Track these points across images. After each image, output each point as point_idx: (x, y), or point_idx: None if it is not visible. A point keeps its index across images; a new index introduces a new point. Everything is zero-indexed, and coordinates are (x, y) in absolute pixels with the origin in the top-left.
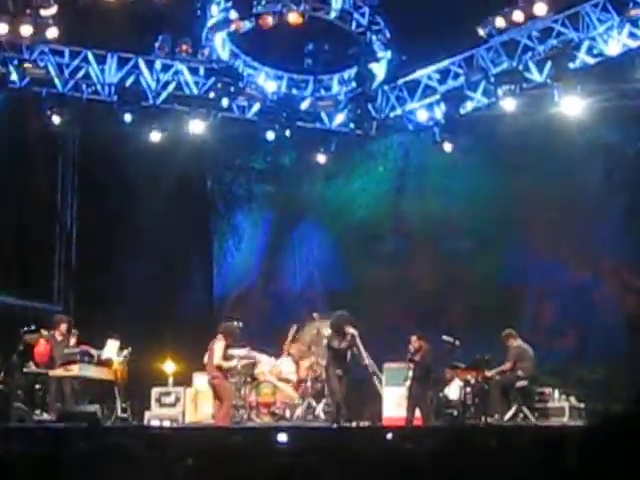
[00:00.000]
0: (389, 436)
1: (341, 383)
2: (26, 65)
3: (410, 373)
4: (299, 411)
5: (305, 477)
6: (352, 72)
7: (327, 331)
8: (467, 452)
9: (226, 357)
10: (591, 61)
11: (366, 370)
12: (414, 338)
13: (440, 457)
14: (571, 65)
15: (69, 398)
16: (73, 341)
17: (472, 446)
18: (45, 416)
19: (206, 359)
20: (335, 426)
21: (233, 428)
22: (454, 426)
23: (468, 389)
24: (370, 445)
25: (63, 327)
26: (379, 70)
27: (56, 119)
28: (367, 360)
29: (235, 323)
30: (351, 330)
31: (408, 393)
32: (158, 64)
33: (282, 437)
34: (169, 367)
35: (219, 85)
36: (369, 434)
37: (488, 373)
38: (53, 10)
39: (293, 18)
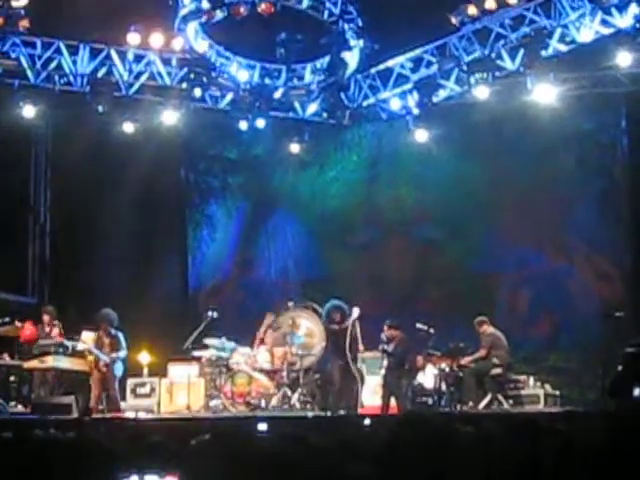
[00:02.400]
0: (366, 422)
1: (342, 372)
2: None
3: (384, 362)
4: (274, 401)
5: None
6: (325, 61)
7: (303, 321)
8: (444, 438)
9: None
10: (564, 48)
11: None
12: (386, 327)
13: (417, 443)
14: (543, 53)
15: (43, 389)
16: (56, 332)
17: (449, 433)
18: (20, 408)
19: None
20: (310, 415)
21: (210, 418)
22: (431, 413)
23: (443, 377)
24: (348, 433)
25: (45, 318)
26: (352, 59)
27: (28, 111)
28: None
29: (209, 312)
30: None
31: (383, 382)
32: (130, 55)
33: (262, 426)
34: (144, 358)
35: (192, 75)
36: (345, 422)
37: (463, 361)
38: (24, 1)
39: (264, 7)
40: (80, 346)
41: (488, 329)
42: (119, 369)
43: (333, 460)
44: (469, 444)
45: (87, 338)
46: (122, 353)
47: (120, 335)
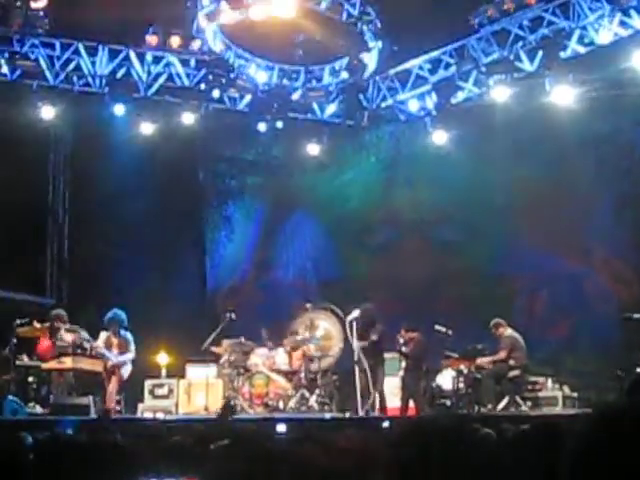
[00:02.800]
0: (385, 424)
1: (372, 374)
2: (17, 58)
3: (403, 364)
4: (292, 402)
5: (302, 466)
6: (343, 63)
7: (321, 322)
8: (462, 441)
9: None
10: (582, 50)
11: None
12: (403, 331)
13: (436, 446)
14: (562, 54)
15: (62, 390)
16: (70, 336)
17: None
18: (38, 409)
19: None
20: (329, 416)
21: (230, 419)
22: (449, 415)
23: (461, 379)
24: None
25: (57, 323)
26: (370, 60)
27: (47, 111)
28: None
29: (227, 314)
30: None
31: (401, 384)
32: (149, 56)
33: (281, 427)
34: (162, 359)
35: (210, 77)
36: (364, 424)
37: (479, 361)
38: (43, 2)
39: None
40: (86, 344)
41: (506, 331)
42: (127, 371)
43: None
44: (487, 446)
45: (100, 339)
46: (130, 355)
47: (129, 336)
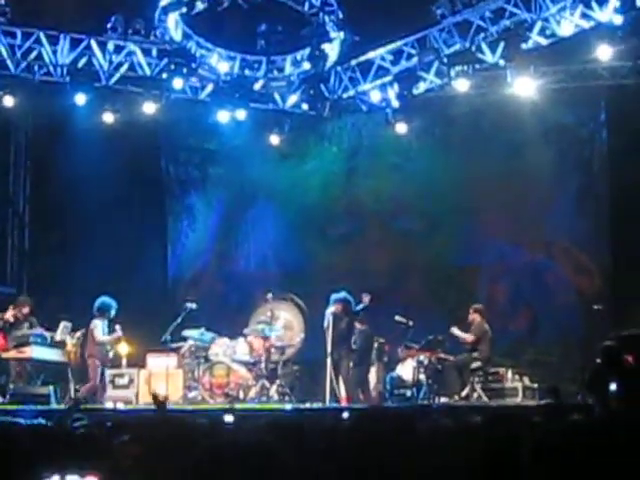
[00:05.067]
0: (345, 415)
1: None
2: None
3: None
4: (253, 392)
5: (259, 456)
6: (305, 53)
7: (282, 312)
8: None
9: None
10: (544, 42)
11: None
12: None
13: (396, 435)
14: (524, 46)
15: (21, 380)
16: (27, 324)
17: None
18: None
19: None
20: (289, 407)
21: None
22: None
23: (421, 369)
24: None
25: (25, 309)
26: (332, 51)
27: (8, 101)
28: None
29: (188, 304)
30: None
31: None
32: (111, 45)
33: (228, 418)
34: (123, 348)
35: (172, 66)
36: (323, 414)
37: (452, 330)
38: None
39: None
40: (58, 336)
41: (482, 320)
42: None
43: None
44: (445, 436)
45: (65, 329)
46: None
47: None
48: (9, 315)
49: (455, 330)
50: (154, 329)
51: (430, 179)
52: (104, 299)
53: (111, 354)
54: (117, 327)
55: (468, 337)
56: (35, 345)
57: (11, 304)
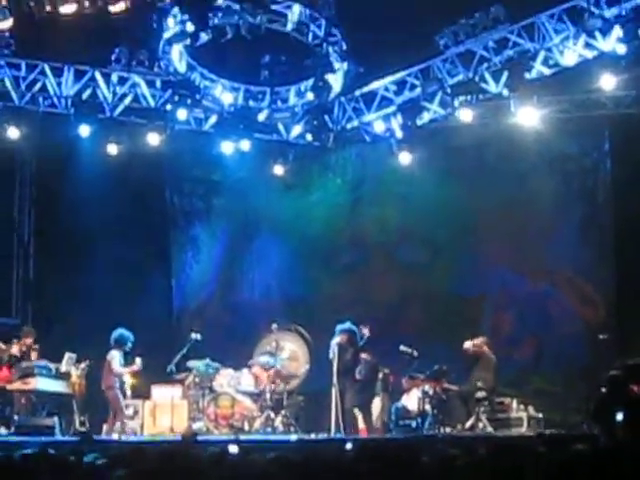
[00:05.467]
0: (349, 446)
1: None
2: None
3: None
4: (258, 423)
5: None
6: (309, 84)
7: (287, 343)
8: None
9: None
10: (547, 72)
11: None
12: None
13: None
14: (527, 76)
15: (26, 411)
16: (34, 355)
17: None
18: (3, 430)
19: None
20: (294, 438)
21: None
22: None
23: (427, 400)
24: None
25: (29, 340)
26: (336, 81)
27: (13, 132)
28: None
29: (193, 334)
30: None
31: (355, 409)
32: (115, 77)
33: (233, 449)
34: (127, 379)
35: (176, 97)
36: (327, 445)
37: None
38: (9, 23)
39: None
40: (63, 368)
41: (490, 351)
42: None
43: None
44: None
45: (70, 360)
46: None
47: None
48: (15, 350)
49: (469, 343)
50: (159, 360)
51: (434, 209)
52: (122, 331)
53: (128, 386)
54: (138, 360)
55: (489, 379)
56: (40, 376)
57: (15, 337)
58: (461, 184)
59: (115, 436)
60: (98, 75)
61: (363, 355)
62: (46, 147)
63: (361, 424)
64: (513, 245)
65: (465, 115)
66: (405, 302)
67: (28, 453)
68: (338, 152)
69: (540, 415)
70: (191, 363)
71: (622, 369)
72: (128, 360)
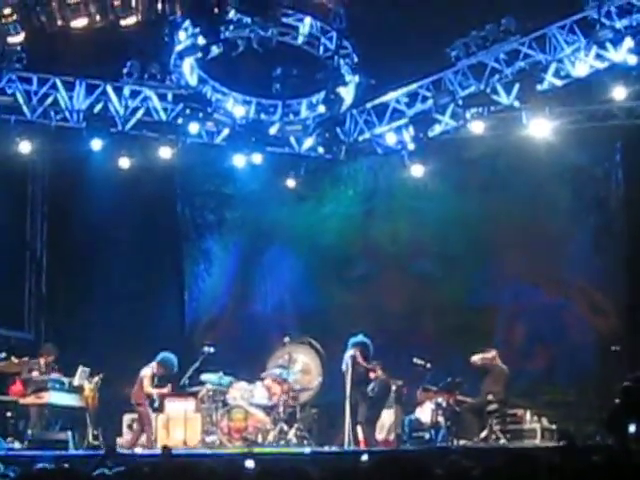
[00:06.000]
0: (364, 458)
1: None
2: None
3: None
4: (271, 436)
5: None
6: (320, 96)
7: (300, 356)
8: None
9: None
10: (559, 83)
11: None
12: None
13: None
14: (539, 87)
15: (40, 425)
16: (55, 375)
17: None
18: (17, 444)
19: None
20: (308, 450)
21: (205, 454)
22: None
23: (440, 412)
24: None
25: (50, 358)
26: (347, 94)
27: (25, 146)
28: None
29: (206, 348)
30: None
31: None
32: (126, 90)
33: (250, 464)
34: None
35: (187, 111)
36: (342, 457)
37: (474, 357)
38: (21, 37)
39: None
40: (76, 381)
41: (500, 363)
42: None
43: None
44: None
45: (83, 374)
46: None
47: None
48: (42, 363)
49: (477, 357)
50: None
51: (446, 220)
52: (170, 356)
53: (156, 404)
54: (169, 386)
55: (500, 391)
56: (53, 390)
57: (35, 351)
58: (473, 196)
59: (139, 450)
60: (110, 89)
61: (378, 371)
62: (58, 161)
63: (360, 436)
64: (526, 256)
65: (477, 127)
66: (418, 314)
67: (46, 467)
68: (350, 164)
69: (553, 426)
70: (204, 376)
71: (635, 380)
72: (162, 382)
